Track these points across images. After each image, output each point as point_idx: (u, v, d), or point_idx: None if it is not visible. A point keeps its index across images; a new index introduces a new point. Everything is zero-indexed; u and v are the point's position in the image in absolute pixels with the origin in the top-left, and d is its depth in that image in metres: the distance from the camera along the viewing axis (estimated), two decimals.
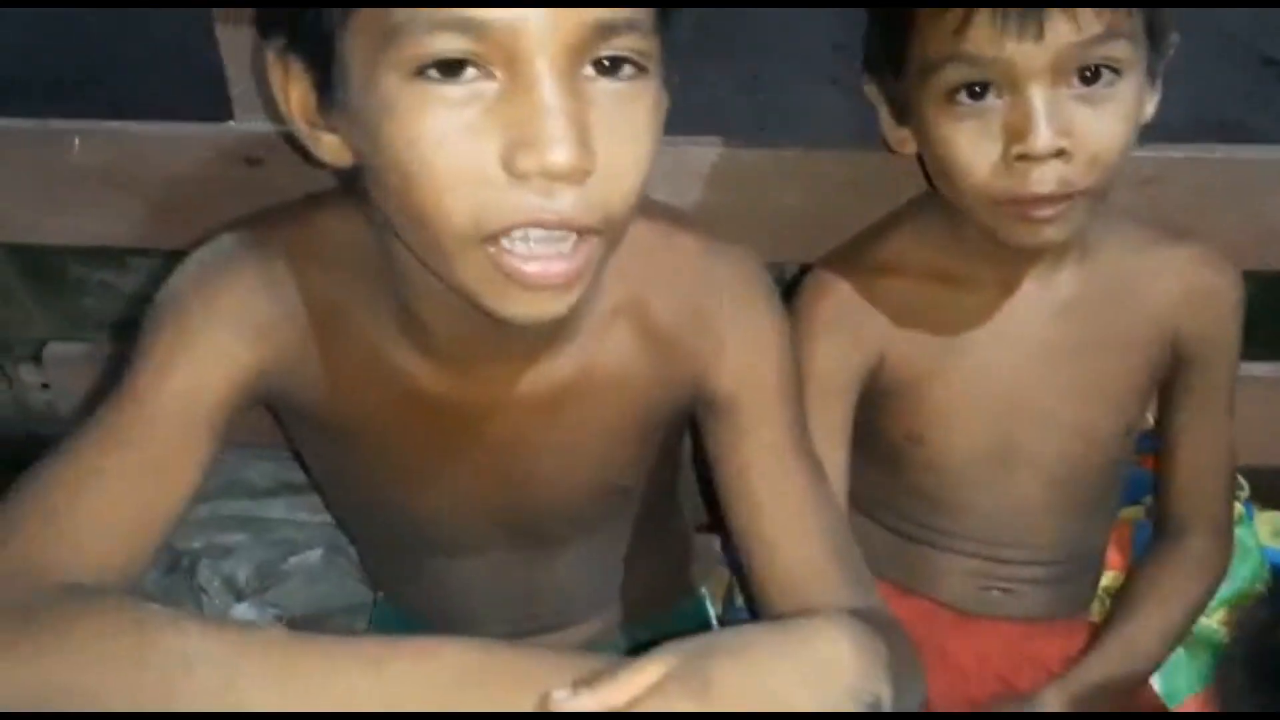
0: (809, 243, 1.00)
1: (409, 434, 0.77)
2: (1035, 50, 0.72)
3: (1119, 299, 0.90)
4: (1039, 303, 0.89)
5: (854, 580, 0.78)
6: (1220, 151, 1.00)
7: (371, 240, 0.71)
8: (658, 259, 0.77)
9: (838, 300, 0.89)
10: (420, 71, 0.57)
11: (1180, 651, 1.04)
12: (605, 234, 0.62)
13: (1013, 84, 0.74)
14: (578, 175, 0.58)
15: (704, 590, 1.05)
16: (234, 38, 0.95)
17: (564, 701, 0.54)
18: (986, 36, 0.73)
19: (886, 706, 0.62)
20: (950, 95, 0.76)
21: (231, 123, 0.98)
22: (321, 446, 0.83)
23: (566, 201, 0.58)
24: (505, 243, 0.59)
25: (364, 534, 0.94)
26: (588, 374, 0.77)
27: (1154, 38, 0.77)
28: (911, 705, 0.73)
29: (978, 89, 0.75)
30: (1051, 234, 0.78)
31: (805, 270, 0.96)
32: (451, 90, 0.57)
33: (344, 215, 0.72)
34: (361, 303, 0.73)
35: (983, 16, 0.73)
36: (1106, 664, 0.93)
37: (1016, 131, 0.74)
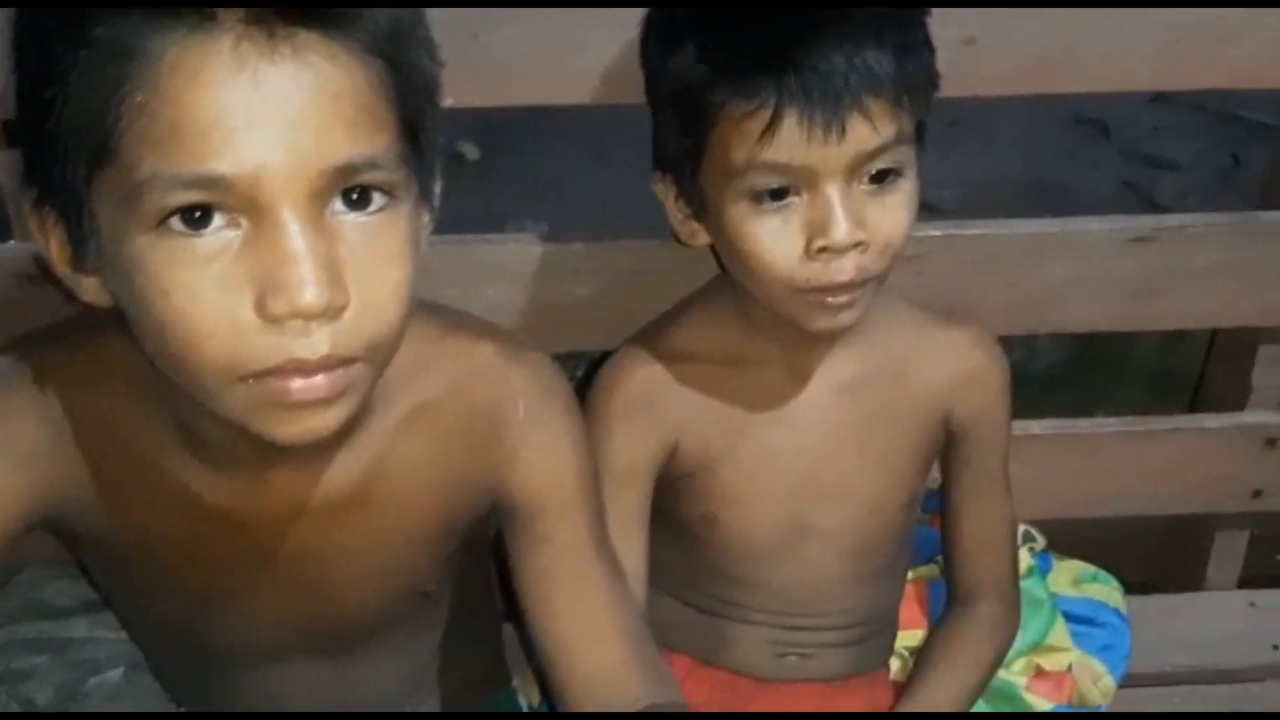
0: (603, 332, 1.03)
1: (197, 550, 0.77)
2: (836, 152, 0.77)
3: (897, 377, 0.95)
4: (823, 383, 0.94)
5: (653, 678, 0.80)
6: (978, 228, 1.07)
7: (143, 358, 0.70)
8: (454, 366, 0.79)
9: (633, 387, 0.93)
10: (164, 222, 0.58)
11: (981, 703, 1.08)
12: (371, 360, 0.64)
13: (812, 183, 0.79)
14: (332, 313, 0.60)
15: (516, 682, 1.05)
16: (10, 158, 0.95)
17: None
18: (792, 143, 0.77)
19: None
20: (752, 196, 0.80)
21: (12, 241, 0.97)
22: (108, 568, 0.82)
23: (324, 340, 0.60)
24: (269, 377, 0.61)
25: (159, 651, 0.92)
26: (379, 480, 0.77)
27: (920, 134, 0.84)
28: None
29: (780, 190, 0.80)
30: (846, 318, 0.84)
31: (602, 359, 0.99)
32: (198, 242, 0.59)
33: (119, 333, 0.72)
34: (139, 421, 0.73)
35: (789, 123, 0.76)
36: None
37: (818, 227, 0.79)
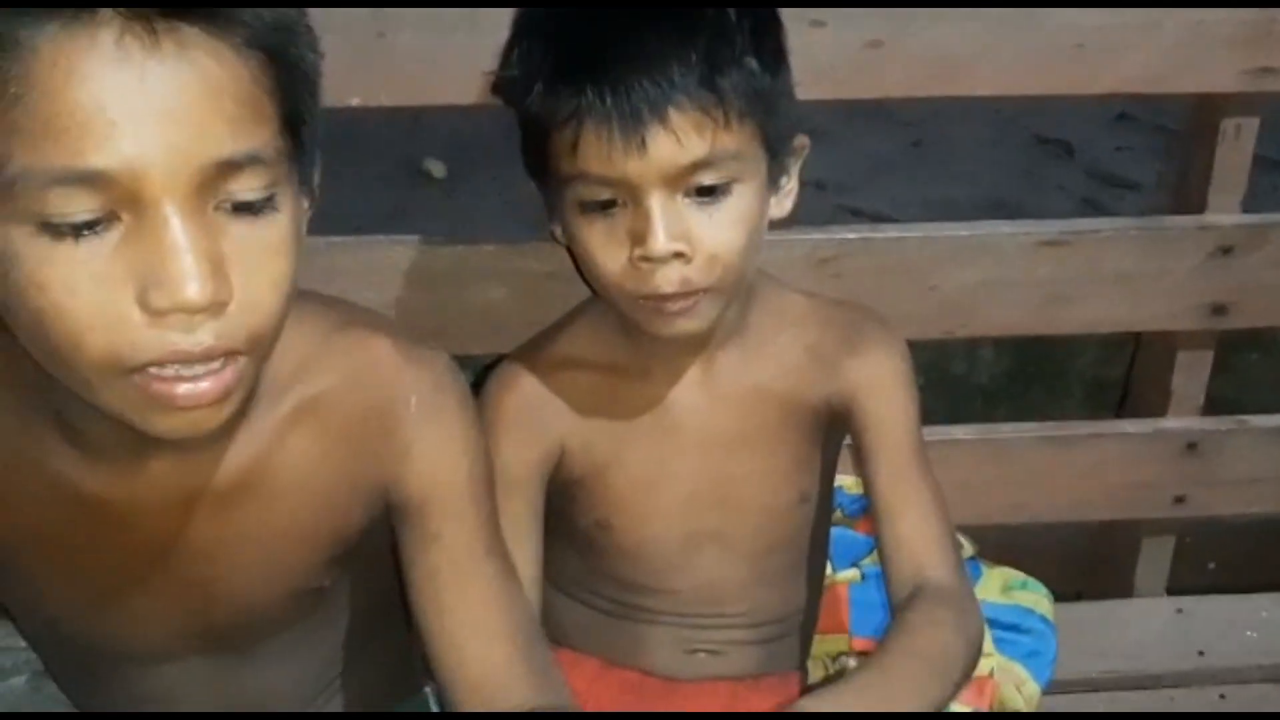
0: (514, 335, 1.02)
1: (79, 544, 0.76)
2: (642, 166, 0.77)
3: (777, 378, 0.94)
4: (706, 390, 0.93)
5: (540, 680, 0.79)
6: (891, 230, 1.08)
7: (18, 349, 0.69)
8: (347, 361, 0.78)
9: (520, 394, 0.93)
10: (40, 215, 0.57)
11: None
12: (253, 353, 0.64)
13: (633, 195, 0.79)
14: (215, 309, 0.60)
15: (429, 688, 1.04)
16: None
17: None
18: (596, 155, 0.77)
19: None
20: (581, 204, 0.81)
21: None
22: None
23: (208, 333, 0.60)
24: (152, 369, 0.61)
25: (53, 653, 0.91)
26: (264, 475, 0.77)
27: (772, 147, 0.83)
28: None
29: (607, 201, 0.80)
30: (685, 326, 0.83)
31: (493, 365, 0.99)
32: (77, 237, 0.58)
33: None
34: (12, 412, 0.73)
35: (589, 136, 0.77)
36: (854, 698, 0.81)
37: (638, 237, 0.79)
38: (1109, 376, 1.74)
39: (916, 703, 0.81)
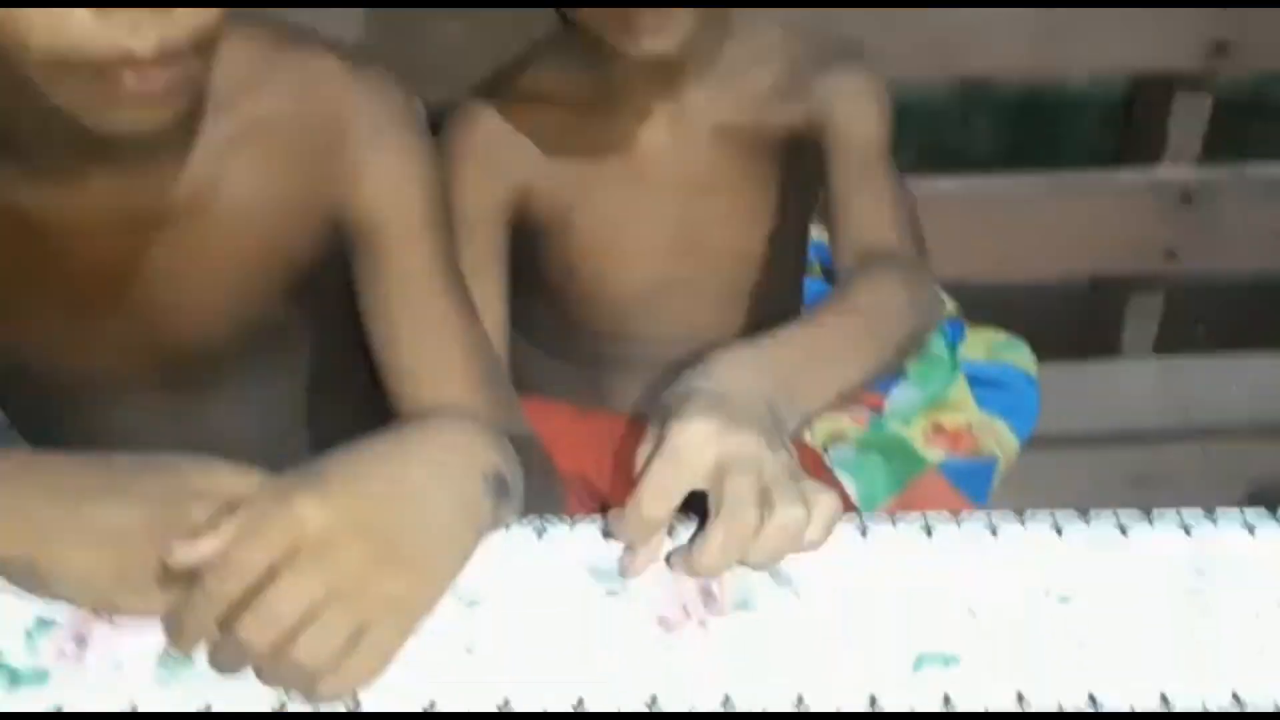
0: (470, 79, 0.97)
1: (20, 265, 0.74)
2: None
3: (750, 106, 0.89)
4: (675, 130, 0.89)
5: (502, 412, 0.77)
6: None
7: None
8: (294, 80, 0.75)
9: (481, 131, 0.89)
10: None
11: (876, 457, 1.07)
12: (199, 53, 0.61)
13: None
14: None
15: None
16: None
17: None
18: None
19: (512, 486, 0.65)
20: None
21: None
22: None
23: (153, 34, 0.57)
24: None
25: (10, 387, 0.90)
26: (209, 197, 0.74)
27: None
28: (549, 504, 0.75)
29: None
30: (656, 43, 0.77)
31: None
32: None
33: None
34: None
35: None
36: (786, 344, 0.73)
37: None
38: (1104, 148, 1.69)
39: (851, 356, 0.75)
